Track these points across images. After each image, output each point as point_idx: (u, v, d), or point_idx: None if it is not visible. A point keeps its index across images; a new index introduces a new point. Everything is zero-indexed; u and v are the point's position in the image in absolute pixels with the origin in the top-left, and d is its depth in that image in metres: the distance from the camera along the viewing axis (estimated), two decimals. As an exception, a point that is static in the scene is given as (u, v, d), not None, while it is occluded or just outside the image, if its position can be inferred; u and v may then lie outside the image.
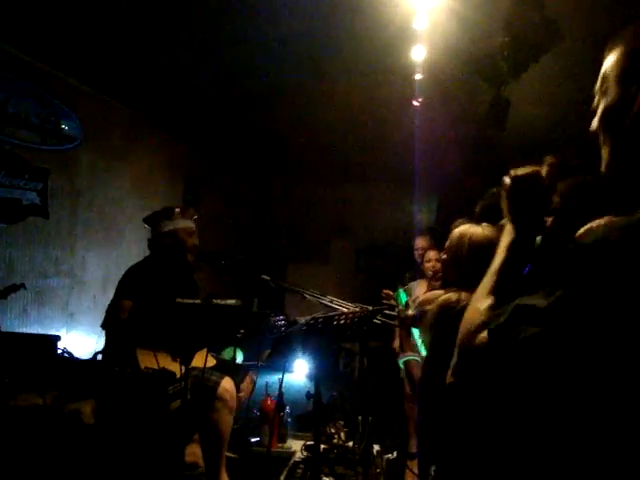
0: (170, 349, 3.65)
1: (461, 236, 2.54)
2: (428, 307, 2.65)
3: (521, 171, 1.34)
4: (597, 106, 1.21)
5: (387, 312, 4.44)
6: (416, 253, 5.68)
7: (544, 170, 1.33)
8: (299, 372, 6.74)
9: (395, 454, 4.61)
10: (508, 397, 1.30)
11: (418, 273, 5.76)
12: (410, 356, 3.32)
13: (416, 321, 3.34)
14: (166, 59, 4.88)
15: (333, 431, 4.69)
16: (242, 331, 3.34)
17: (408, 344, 3.39)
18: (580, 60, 4.36)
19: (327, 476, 3.83)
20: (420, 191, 6.89)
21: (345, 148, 6.62)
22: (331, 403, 5.19)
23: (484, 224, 2.61)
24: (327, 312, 3.42)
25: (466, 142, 5.63)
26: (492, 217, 2.88)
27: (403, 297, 3.65)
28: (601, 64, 1.22)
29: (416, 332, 3.44)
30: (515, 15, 3.80)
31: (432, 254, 5.15)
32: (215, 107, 5.84)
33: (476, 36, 4.04)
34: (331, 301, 3.87)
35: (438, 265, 5.11)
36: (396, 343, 5.97)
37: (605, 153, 1.19)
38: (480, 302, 1.26)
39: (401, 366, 3.47)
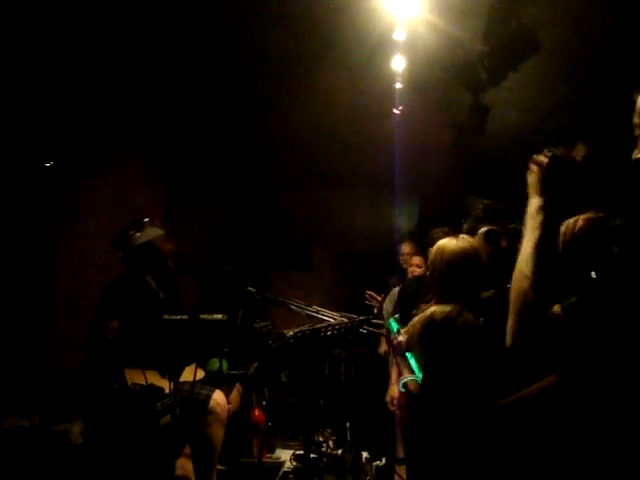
0: (157, 366, 3.63)
1: (437, 251, 2.59)
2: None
3: (558, 151, 1.48)
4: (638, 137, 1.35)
5: (374, 321, 4.48)
6: (401, 259, 5.72)
7: (579, 154, 1.47)
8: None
9: (384, 461, 4.64)
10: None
11: (402, 278, 5.80)
12: (408, 377, 3.36)
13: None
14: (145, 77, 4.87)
15: (321, 439, 4.72)
16: (226, 349, 3.35)
17: (406, 367, 3.41)
18: (556, 67, 4.45)
19: (317, 485, 3.85)
20: (401, 196, 6.93)
21: (327, 155, 6.64)
22: (317, 411, 5.22)
23: (462, 236, 2.65)
24: (314, 323, 3.44)
25: (446, 148, 5.68)
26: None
27: (394, 326, 3.66)
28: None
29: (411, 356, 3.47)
30: (493, 26, 3.85)
31: (416, 260, 5.19)
32: (195, 118, 5.84)
33: (455, 45, 4.08)
34: (317, 312, 3.89)
35: (418, 270, 5.15)
36: (382, 349, 6.01)
37: None
38: (528, 277, 1.39)
39: (402, 389, 3.50)
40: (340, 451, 4.71)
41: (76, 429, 2.95)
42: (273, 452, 4.62)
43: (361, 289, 6.71)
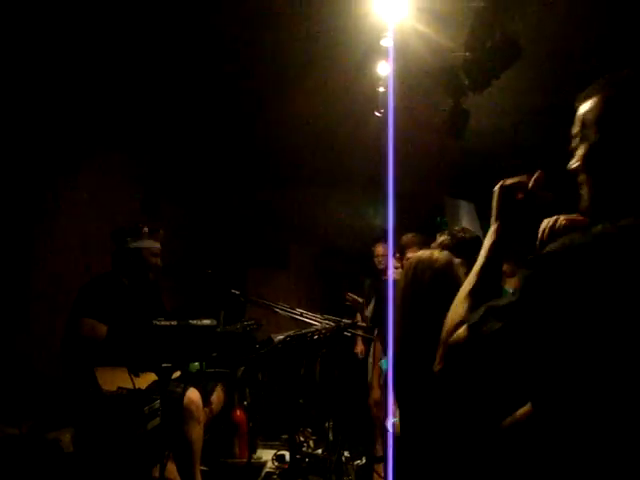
0: (129, 366, 3.63)
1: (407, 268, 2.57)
2: None
3: (509, 180, 1.48)
4: (576, 147, 1.34)
5: (359, 323, 4.54)
6: (376, 260, 5.77)
7: (531, 181, 1.46)
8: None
9: (364, 460, 4.70)
10: (484, 386, 1.42)
11: (377, 280, 5.86)
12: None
13: None
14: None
15: (302, 439, 4.76)
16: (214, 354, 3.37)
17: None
18: (537, 74, 4.54)
19: (301, 487, 3.89)
20: (378, 195, 6.98)
21: (305, 153, 6.67)
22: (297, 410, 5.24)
23: (430, 251, 2.64)
24: (297, 326, 3.48)
25: (427, 150, 5.74)
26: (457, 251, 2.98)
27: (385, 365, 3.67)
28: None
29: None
30: (476, 34, 3.91)
31: (392, 262, 5.23)
32: (175, 115, 5.80)
33: (439, 52, 4.13)
34: (301, 314, 3.93)
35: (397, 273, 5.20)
36: (358, 348, 6.08)
37: (585, 192, 1.33)
38: (462, 301, 1.39)
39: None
40: (321, 451, 4.76)
41: (67, 437, 2.93)
42: (255, 452, 4.65)
43: (336, 288, 6.79)
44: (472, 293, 1.39)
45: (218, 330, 3.28)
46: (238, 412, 4.59)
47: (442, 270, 2.33)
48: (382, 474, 4.78)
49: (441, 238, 3.03)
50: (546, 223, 1.63)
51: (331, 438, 5.08)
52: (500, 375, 1.27)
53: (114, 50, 4.46)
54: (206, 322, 3.23)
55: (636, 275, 1.10)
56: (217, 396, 4.20)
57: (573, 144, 1.34)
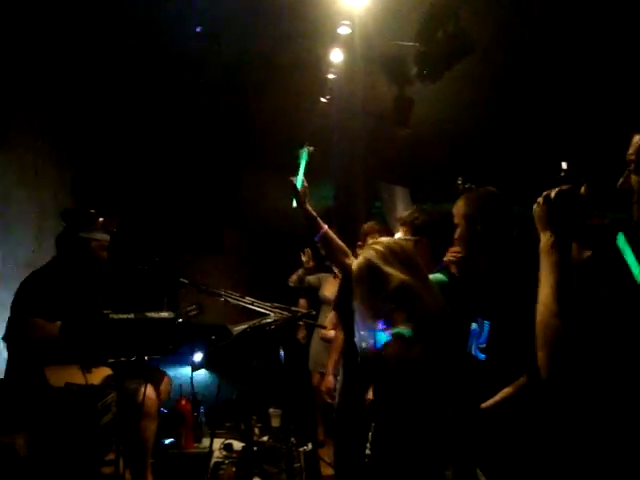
0: (79, 361, 3.51)
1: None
2: None
3: (554, 191, 1.56)
4: (633, 172, 1.47)
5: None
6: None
7: (582, 189, 1.55)
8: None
9: (310, 446, 4.72)
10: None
11: (321, 265, 5.87)
12: None
13: None
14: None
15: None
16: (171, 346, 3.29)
17: None
18: (486, 66, 4.63)
19: (256, 476, 3.87)
20: (316, 178, 6.97)
21: (241, 137, 6.59)
22: (238, 398, 5.21)
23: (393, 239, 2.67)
24: (259, 319, 3.44)
25: (368, 136, 5.77)
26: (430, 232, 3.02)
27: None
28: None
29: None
30: (429, 26, 3.95)
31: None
32: (103, 97, 5.61)
33: (392, 40, 4.15)
34: (252, 303, 3.88)
35: None
36: (300, 334, 6.09)
37: (637, 210, 1.47)
38: (555, 310, 1.45)
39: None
40: (266, 438, 4.75)
41: (21, 440, 2.79)
42: (200, 442, 4.59)
43: (272, 272, 6.77)
44: (562, 307, 1.45)
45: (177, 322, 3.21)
46: (183, 402, 4.50)
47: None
48: (326, 459, 4.85)
49: (408, 216, 3.05)
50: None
51: (277, 425, 5.11)
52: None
53: (47, 28, 4.24)
54: (164, 315, 3.15)
55: None
56: (165, 387, 4.11)
57: (631, 165, 1.46)
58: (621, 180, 1.49)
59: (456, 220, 2.56)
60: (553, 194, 1.55)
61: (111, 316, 2.99)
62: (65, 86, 5.46)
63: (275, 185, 7.72)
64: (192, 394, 4.59)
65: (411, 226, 3.01)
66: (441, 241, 3.05)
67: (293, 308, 4.26)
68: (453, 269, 3.75)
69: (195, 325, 3.60)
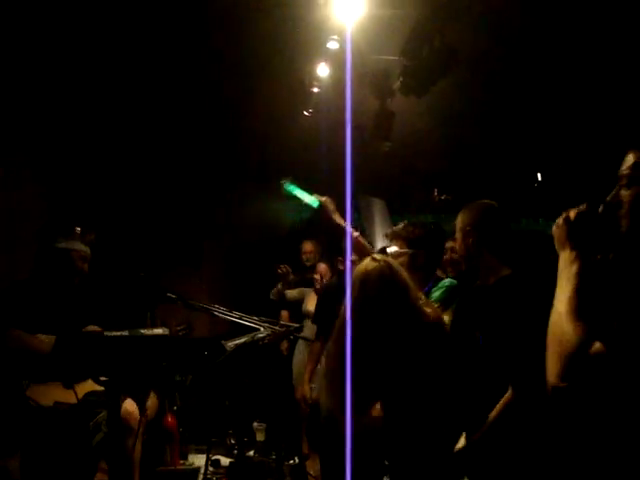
0: (62, 378, 3.44)
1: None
2: None
3: (572, 212, 1.62)
4: (625, 186, 1.53)
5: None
6: (304, 257, 5.79)
7: (600, 209, 1.61)
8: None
9: (297, 460, 4.71)
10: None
11: (302, 275, 5.87)
12: None
13: None
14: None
15: (233, 442, 4.69)
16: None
17: None
18: (469, 78, 4.70)
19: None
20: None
21: (222, 148, 6.58)
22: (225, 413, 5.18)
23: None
24: (253, 333, 3.43)
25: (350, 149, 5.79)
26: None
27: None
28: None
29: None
30: (414, 41, 3.99)
31: (322, 268, 5.25)
32: (82, 113, 5.56)
33: (379, 54, 4.18)
34: (240, 317, 3.87)
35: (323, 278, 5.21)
36: (283, 345, 6.06)
37: (625, 222, 1.53)
38: (568, 321, 1.48)
39: None
40: (252, 452, 4.73)
41: (15, 463, 2.72)
42: (186, 459, 4.54)
43: (251, 286, 6.74)
44: (580, 313, 1.48)
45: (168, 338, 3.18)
46: (169, 418, 4.45)
47: (385, 279, 2.38)
48: (311, 472, 4.84)
49: (402, 230, 3.07)
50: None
51: (262, 439, 5.08)
52: None
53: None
54: (158, 331, 3.12)
55: None
56: (151, 403, 4.06)
57: (624, 182, 1.52)
58: (612, 194, 1.57)
59: (456, 234, 2.60)
60: (573, 215, 1.62)
61: (105, 333, 2.95)
62: (42, 98, 5.37)
63: (255, 197, 7.75)
64: (178, 410, 4.55)
65: (406, 239, 3.03)
66: (437, 253, 3.09)
67: (283, 322, 4.29)
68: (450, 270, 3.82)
69: (187, 341, 3.58)
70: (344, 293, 4.11)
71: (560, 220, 1.63)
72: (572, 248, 1.59)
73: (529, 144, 5.82)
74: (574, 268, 1.56)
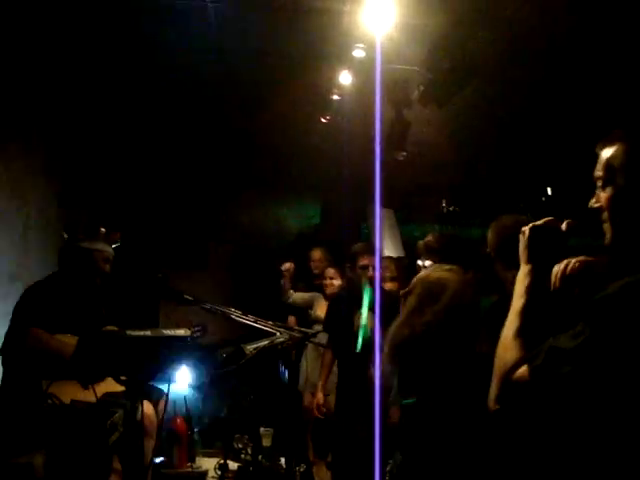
0: (78, 377, 3.44)
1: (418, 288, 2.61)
2: None
3: (539, 222, 1.56)
4: (601, 188, 1.46)
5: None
6: (312, 265, 5.80)
7: (564, 224, 1.55)
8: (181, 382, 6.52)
9: (304, 467, 4.70)
10: (544, 422, 1.48)
11: (310, 283, 5.88)
12: None
13: None
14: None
15: (240, 446, 4.67)
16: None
17: None
18: (483, 92, 4.74)
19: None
20: (302, 198, 7.04)
21: (229, 153, 6.60)
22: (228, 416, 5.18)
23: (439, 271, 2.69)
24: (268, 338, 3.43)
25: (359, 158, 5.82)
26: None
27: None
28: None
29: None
30: (436, 53, 4.03)
31: (330, 272, 5.27)
32: (93, 112, 5.58)
33: (398, 64, 4.21)
34: (255, 321, 3.87)
35: (334, 283, 5.21)
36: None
37: (608, 229, 1.45)
38: (510, 342, 1.45)
39: None
40: (260, 457, 4.70)
41: (39, 461, 2.71)
42: (194, 461, 4.52)
43: (257, 289, 6.75)
44: (520, 334, 1.45)
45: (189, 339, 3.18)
46: (178, 420, 4.44)
47: (457, 293, 2.40)
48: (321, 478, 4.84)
49: (427, 239, 3.09)
50: (557, 268, 1.67)
51: (268, 444, 5.06)
52: (569, 414, 1.34)
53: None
54: (180, 332, 3.12)
55: None
56: (161, 406, 4.05)
57: (598, 184, 1.45)
58: (592, 200, 1.50)
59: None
60: (527, 229, 1.57)
61: (128, 333, 2.95)
62: (54, 98, 5.39)
63: (260, 202, 7.78)
64: (187, 413, 4.54)
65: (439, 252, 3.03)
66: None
67: (298, 328, 4.30)
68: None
69: (207, 344, 3.58)
70: (355, 302, 4.15)
71: (525, 229, 1.59)
72: (526, 262, 1.55)
73: (540, 158, 5.86)
74: (526, 283, 1.52)
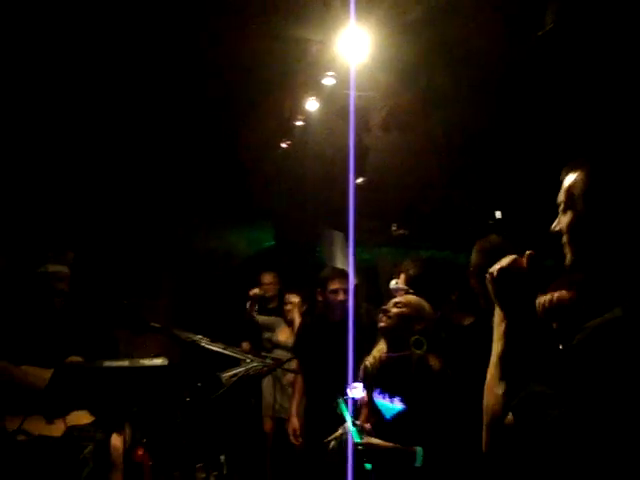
0: (43, 411, 3.32)
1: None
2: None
3: (502, 263, 1.54)
4: (562, 213, 1.50)
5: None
6: (263, 288, 5.79)
7: (524, 260, 1.54)
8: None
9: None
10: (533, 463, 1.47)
11: (263, 306, 5.86)
12: None
13: None
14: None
15: (203, 476, 4.58)
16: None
17: None
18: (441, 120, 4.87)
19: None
20: (254, 221, 7.01)
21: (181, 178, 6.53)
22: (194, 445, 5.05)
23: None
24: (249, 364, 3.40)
25: (316, 183, 5.88)
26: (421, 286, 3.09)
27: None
28: None
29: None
30: (402, 81, 4.13)
31: (294, 299, 5.29)
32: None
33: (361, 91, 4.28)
34: (224, 348, 3.82)
35: (295, 310, 5.22)
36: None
37: (568, 252, 1.48)
38: (495, 388, 1.46)
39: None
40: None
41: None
42: (156, 493, 4.40)
43: (213, 314, 6.65)
44: (503, 378, 1.46)
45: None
46: (140, 451, 4.31)
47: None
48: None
49: (410, 271, 3.12)
50: (538, 301, 1.64)
51: (225, 471, 4.98)
52: (559, 457, 1.32)
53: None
54: (157, 362, 3.05)
55: None
56: (126, 436, 3.94)
57: (560, 209, 1.50)
58: (554, 224, 1.53)
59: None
60: (495, 273, 1.55)
61: (105, 364, 2.87)
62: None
63: (212, 226, 7.69)
64: (150, 443, 4.41)
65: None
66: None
67: (268, 355, 4.28)
68: None
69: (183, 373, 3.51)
70: (328, 328, 4.15)
71: (488, 276, 1.56)
72: (500, 308, 1.54)
73: (491, 181, 6.04)
74: (502, 328, 1.52)
